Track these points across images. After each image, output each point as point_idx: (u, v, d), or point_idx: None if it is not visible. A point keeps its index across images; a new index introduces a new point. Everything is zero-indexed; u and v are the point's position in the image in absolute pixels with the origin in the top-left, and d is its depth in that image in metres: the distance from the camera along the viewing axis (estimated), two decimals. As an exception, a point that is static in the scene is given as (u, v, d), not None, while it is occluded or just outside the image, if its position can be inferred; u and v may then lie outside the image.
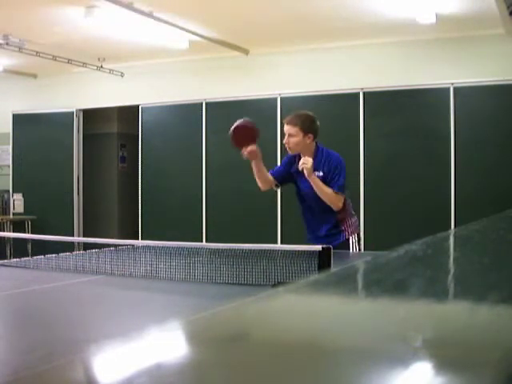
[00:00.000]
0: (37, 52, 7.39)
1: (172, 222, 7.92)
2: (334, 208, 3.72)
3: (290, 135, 3.74)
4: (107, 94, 8.65)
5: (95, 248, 3.32)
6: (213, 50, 7.51)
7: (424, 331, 0.54)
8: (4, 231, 8.20)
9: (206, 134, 7.76)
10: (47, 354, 1.39)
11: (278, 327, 0.59)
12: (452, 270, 0.96)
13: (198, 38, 7.06)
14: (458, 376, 0.44)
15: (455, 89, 6.68)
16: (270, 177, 3.89)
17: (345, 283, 0.82)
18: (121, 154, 9.96)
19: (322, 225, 3.78)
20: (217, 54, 7.72)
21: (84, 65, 8.09)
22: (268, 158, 7.12)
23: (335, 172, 3.69)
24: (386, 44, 7.12)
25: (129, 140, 9.52)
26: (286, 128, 3.77)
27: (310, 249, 2.59)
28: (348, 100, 7.14)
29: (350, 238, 3.79)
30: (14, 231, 8.47)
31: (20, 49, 7.16)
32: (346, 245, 3.74)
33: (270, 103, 7.47)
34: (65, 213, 8.68)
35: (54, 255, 3.12)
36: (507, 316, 0.62)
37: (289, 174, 3.85)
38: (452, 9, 6.08)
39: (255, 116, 7.61)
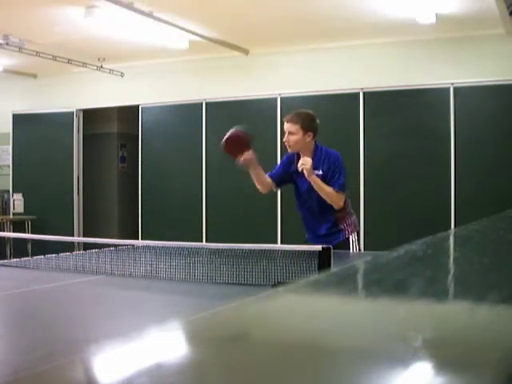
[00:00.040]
0: (37, 52, 7.39)
1: (172, 221, 7.92)
2: (336, 207, 3.72)
3: (290, 133, 3.74)
4: (107, 94, 8.65)
5: (95, 248, 3.32)
6: (213, 50, 7.51)
7: (424, 331, 0.54)
8: (4, 231, 8.20)
9: (206, 134, 7.76)
10: (47, 354, 1.39)
11: (278, 327, 0.59)
12: (452, 270, 0.96)
13: (198, 38, 7.06)
14: (458, 376, 0.44)
15: (455, 89, 6.68)
16: (269, 179, 3.89)
17: (345, 283, 0.82)
18: (121, 154, 9.96)
19: (322, 224, 3.78)
20: (217, 53, 7.72)
21: (84, 65, 8.09)
22: (268, 158, 7.14)
23: (335, 171, 3.70)
24: (385, 44, 7.12)
25: (129, 140, 9.52)
26: (287, 126, 3.78)
27: (310, 249, 2.59)
28: (348, 100, 7.14)
29: (350, 236, 3.79)
30: (14, 231, 8.47)
31: (20, 49, 7.16)
32: (346, 244, 3.74)
33: (269, 103, 7.47)
34: (65, 213, 8.68)
35: (53, 255, 3.12)
36: (507, 316, 0.62)
37: (288, 174, 3.85)
38: (452, 9, 6.08)
39: (255, 116, 7.67)
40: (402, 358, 0.47)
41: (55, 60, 7.70)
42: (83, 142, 8.82)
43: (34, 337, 1.66)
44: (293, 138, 3.73)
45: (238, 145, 3.75)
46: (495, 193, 6.45)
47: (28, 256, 3.44)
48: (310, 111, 3.87)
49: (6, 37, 6.86)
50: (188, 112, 7.97)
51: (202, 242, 7.30)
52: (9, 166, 9.02)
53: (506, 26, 6.37)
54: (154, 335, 0.56)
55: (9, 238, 6.32)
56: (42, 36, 6.96)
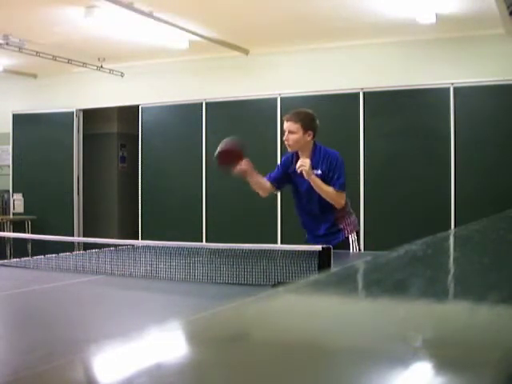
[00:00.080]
0: (37, 52, 7.39)
1: (172, 221, 7.92)
2: (337, 206, 3.72)
3: (290, 132, 3.74)
4: (107, 94, 8.65)
5: (95, 248, 3.32)
6: (213, 50, 7.51)
7: (424, 331, 0.54)
8: (4, 231, 8.20)
9: (206, 134, 7.76)
10: (47, 354, 1.39)
11: (278, 327, 0.59)
12: (452, 270, 0.96)
13: (198, 38, 7.06)
14: (458, 376, 0.44)
15: (455, 89, 6.68)
16: (268, 184, 3.90)
17: (345, 283, 0.82)
18: (121, 154, 9.96)
19: (321, 224, 3.78)
20: (217, 54, 7.72)
21: (84, 65, 8.09)
22: (268, 158, 7.15)
23: (335, 170, 3.69)
24: (385, 44, 7.12)
25: (129, 140, 9.52)
26: (287, 125, 3.77)
27: (310, 249, 2.59)
28: (348, 100, 7.14)
29: (350, 236, 3.79)
30: (14, 231, 8.47)
31: (20, 49, 7.16)
32: (345, 243, 3.74)
33: (270, 103, 7.47)
34: (65, 213, 8.68)
35: (54, 255, 3.12)
36: (507, 316, 0.62)
37: (287, 176, 3.85)
38: (452, 9, 6.08)
39: (255, 116, 7.67)
40: (401, 358, 0.47)
41: (55, 60, 7.70)
42: (83, 142, 8.82)
43: (34, 337, 1.66)
44: (293, 136, 3.73)
45: (231, 157, 3.76)
46: (495, 193, 6.45)
47: (28, 256, 3.44)
48: (310, 111, 3.88)
49: (6, 37, 6.86)
50: (188, 112, 7.97)
51: (202, 241, 7.30)
52: (9, 166, 9.02)
53: (506, 26, 6.37)
54: (154, 335, 0.56)
55: (9, 238, 6.32)
56: (42, 36, 6.96)
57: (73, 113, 8.68)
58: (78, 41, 7.19)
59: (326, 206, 3.72)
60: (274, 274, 2.49)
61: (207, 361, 0.49)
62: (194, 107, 7.87)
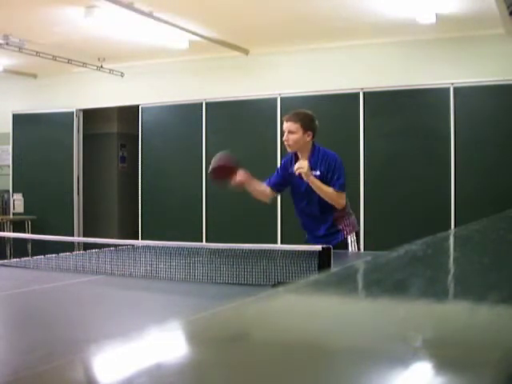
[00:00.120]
0: (37, 52, 7.39)
1: (172, 221, 7.92)
2: (337, 206, 3.73)
3: (290, 132, 3.75)
4: (107, 94, 8.65)
5: (95, 248, 3.32)
6: (213, 50, 7.51)
7: (424, 331, 0.54)
8: (4, 231, 8.20)
9: (206, 134, 7.76)
10: (47, 354, 1.39)
11: (278, 327, 0.59)
12: (452, 270, 0.96)
13: (198, 38, 7.06)
14: (458, 376, 0.44)
15: (455, 89, 6.68)
16: (267, 189, 3.93)
17: (345, 283, 0.82)
18: (121, 154, 9.96)
19: (321, 225, 3.78)
20: (217, 54, 7.72)
21: (84, 65, 8.09)
22: (268, 158, 7.15)
23: (334, 171, 3.70)
24: (385, 44, 7.11)
25: (129, 140, 9.52)
26: (287, 125, 3.78)
27: (309, 249, 2.59)
28: (348, 100, 7.14)
29: (349, 237, 3.79)
30: (14, 231, 8.47)
31: (20, 49, 7.16)
32: (344, 244, 3.75)
33: (270, 103, 7.47)
34: (65, 213, 8.68)
35: (54, 255, 3.12)
36: (507, 316, 0.62)
37: (287, 178, 3.86)
38: (452, 9, 6.08)
39: (255, 116, 7.67)
40: (402, 357, 0.47)
41: (55, 60, 7.70)
42: (83, 142, 8.82)
43: (34, 337, 1.66)
44: (292, 136, 3.74)
45: (225, 172, 3.78)
46: (495, 193, 6.45)
47: (28, 256, 3.44)
48: (309, 111, 3.89)
49: (6, 37, 6.86)
50: (188, 112, 7.97)
51: (202, 242, 7.30)
52: (9, 166, 9.02)
53: (506, 26, 6.37)
54: (154, 335, 0.56)
55: (9, 238, 6.32)
56: (42, 36, 6.96)
57: (73, 113, 8.68)
58: (78, 41, 7.19)
59: (325, 206, 3.72)
60: (274, 274, 2.49)
61: (207, 361, 0.49)
62: (194, 107, 7.87)
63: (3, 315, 2.14)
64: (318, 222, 3.78)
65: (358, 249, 3.90)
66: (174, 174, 8.03)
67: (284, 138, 3.81)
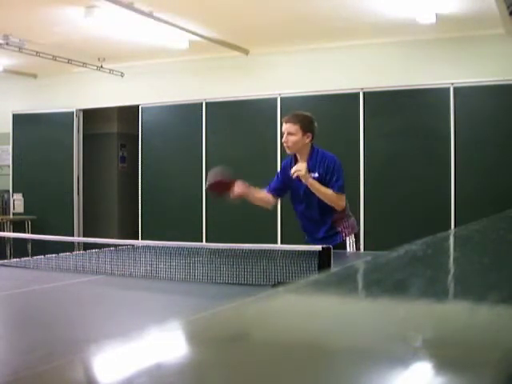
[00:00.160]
0: (37, 52, 7.39)
1: (172, 221, 7.92)
2: (337, 208, 3.73)
3: (289, 133, 3.75)
4: (107, 94, 8.65)
5: (95, 248, 3.32)
6: (213, 50, 7.51)
7: (424, 331, 0.54)
8: (4, 231, 8.20)
9: (206, 134, 7.76)
10: (47, 354, 1.39)
11: (278, 327, 0.59)
12: (452, 270, 0.96)
13: (198, 38, 7.06)
14: (458, 376, 0.44)
15: (455, 89, 6.68)
16: (268, 195, 3.94)
17: (345, 283, 0.82)
18: (121, 154, 9.96)
19: (321, 227, 3.79)
20: (217, 54, 7.72)
21: (84, 65, 8.09)
22: (268, 158, 7.15)
23: (333, 173, 3.70)
24: (385, 44, 7.11)
25: (129, 140, 9.52)
26: (286, 126, 3.78)
27: (310, 249, 2.59)
28: (348, 100, 7.14)
29: (347, 238, 3.79)
30: (14, 231, 8.46)
31: (20, 49, 7.16)
32: (343, 246, 3.75)
33: (270, 103, 7.47)
34: (65, 213, 8.68)
35: (53, 255, 3.12)
36: (507, 316, 0.62)
37: (286, 181, 3.86)
38: (452, 9, 6.08)
39: (255, 116, 7.67)
40: (402, 357, 0.47)
41: (55, 60, 7.70)
42: (83, 142, 8.82)
43: (34, 337, 1.66)
44: (292, 138, 3.74)
45: (222, 187, 3.81)
46: (495, 193, 6.45)
47: (28, 256, 3.44)
48: (309, 113, 3.89)
49: (6, 37, 6.86)
50: (188, 112, 7.97)
51: (202, 242, 7.30)
52: (9, 166, 9.02)
53: (506, 26, 6.37)
54: (154, 335, 0.56)
55: (9, 238, 6.32)
56: (42, 36, 6.96)
57: (73, 113, 8.68)
58: (78, 41, 7.19)
59: (325, 209, 3.73)
60: (274, 274, 2.49)
61: (207, 361, 0.49)
62: (194, 107, 7.87)
63: (3, 315, 2.14)
64: (318, 224, 3.79)
65: (357, 250, 3.90)
66: (174, 173, 8.03)
67: (283, 140, 3.81)
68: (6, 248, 6.24)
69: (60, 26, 6.58)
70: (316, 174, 3.69)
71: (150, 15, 6.19)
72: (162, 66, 8.18)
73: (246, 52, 7.78)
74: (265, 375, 0.45)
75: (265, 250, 2.79)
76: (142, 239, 7.13)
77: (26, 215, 8.79)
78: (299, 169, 3.63)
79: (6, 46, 7.00)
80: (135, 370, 0.47)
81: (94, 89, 8.68)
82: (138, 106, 8.26)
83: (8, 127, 8.96)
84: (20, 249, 5.37)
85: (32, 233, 7.99)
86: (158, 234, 6.81)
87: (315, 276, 1.78)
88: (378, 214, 6.96)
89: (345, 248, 3.76)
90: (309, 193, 3.70)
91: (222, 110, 7.74)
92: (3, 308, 2.24)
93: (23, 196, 8.91)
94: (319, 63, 7.45)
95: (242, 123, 7.62)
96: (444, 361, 0.47)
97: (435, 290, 0.75)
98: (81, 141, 8.77)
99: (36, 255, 3.28)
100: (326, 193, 3.67)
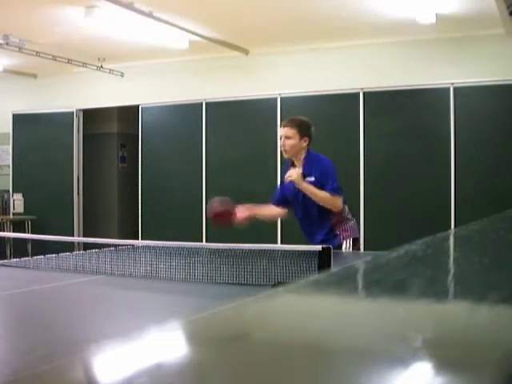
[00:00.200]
0: (37, 52, 7.39)
1: (172, 221, 7.92)
2: (334, 209, 3.74)
3: (286, 137, 3.78)
4: (107, 94, 8.65)
5: (95, 248, 3.32)
6: (213, 50, 7.51)
7: (424, 331, 0.54)
8: (4, 231, 8.20)
9: (206, 134, 7.76)
10: (47, 354, 1.39)
11: (278, 327, 0.59)
12: (452, 270, 0.96)
13: (198, 38, 7.06)
14: (458, 376, 0.44)
15: (455, 89, 6.68)
16: (276, 208, 3.99)
17: (345, 283, 0.82)
18: (121, 154, 9.96)
19: (320, 230, 3.80)
20: (217, 54, 7.72)
21: (84, 65, 8.09)
22: (268, 158, 7.15)
23: (328, 176, 3.72)
24: (385, 44, 7.11)
25: (129, 140, 9.52)
26: (283, 130, 3.81)
27: (310, 249, 2.59)
28: (348, 100, 7.14)
29: (344, 242, 3.79)
30: (14, 231, 8.46)
31: (20, 49, 7.16)
32: (339, 249, 3.75)
33: (269, 103, 7.47)
34: (65, 213, 8.68)
35: (54, 255, 3.12)
36: (507, 316, 0.62)
37: (286, 190, 3.90)
38: (452, 9, 6.08)
39: (255, 116, 7.67)
40: (402, 357, 0.47)
41: (55, 60, 7.70)
42: (83, 142, 8.82)
43: (34, 337, 1.66)
44: (289, 142, 3.77)
45: (224, 216, 3.82)
46: (495, 193, 6.45)
47: (28, 256, 3.44)
48: (306, 118, 3.92)
49: (6, 37, 6.86)
50: (188, 112, 7.97)
51: (202, 242, 7.30)
52: (9, 166, 9.02)
53: (506, 26, 6.37)
54: (154, 335, 0.56)
55: (9, 238, 6.33)
56: (42, 36, 6.96)
57: (73, 113, 8.68)
58: (78, 41, 7.19)
59: (323, 212, 3.74)
60: (274, 274, 2.49)
61: (207, 361, 0.49)
62: (194, 107, 7.87)
63: (3, 315, 2.14)
64: (317, 227, 3.81)
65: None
66: (174, 173, 8.03)
67: (281, 144, 3.84)
68: (6, 248, 6.24)
69: (60, 25, 6.58)
70: (312, 178, 3.72)
71: (149, 15, 6.19)
72: (162, 66, 8.18)
73: (246, 52, 7.78)
74: (265, 375, 0.45)
75: (265, 250, 2.79)
76: (142, 239, 7.13)
77: (25, 215, 8.79)
78: (291, 174, 3.68)
79: (5, 46, 7.00)
80: (135, 370, 0.47)
81: (93, 89, 8.68)
82: (138, 106, 8.25)
83: (8, 127, 8.96)
84: (20, 249, 5.37)
85: (32, 233, 7.99)
86: (158, 234, 6.80)
87: (315, 276, 1.78)
88: (377, 214, 6.96)
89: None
90: (306, 197, 3.72)
91: (221, 110, 7.74)
92: (3, 308, 2.24)
93: (23, 196, 8.91)
94: (319, 63, 7.45)
95: (241, 123, 7.62)
96: (444, 361, 0.47)
97: (435, 290, 0.75)
98: (81, 141, 8.77)
99: (36, 255, 3.28)
100: (321, 195, 3.68)
